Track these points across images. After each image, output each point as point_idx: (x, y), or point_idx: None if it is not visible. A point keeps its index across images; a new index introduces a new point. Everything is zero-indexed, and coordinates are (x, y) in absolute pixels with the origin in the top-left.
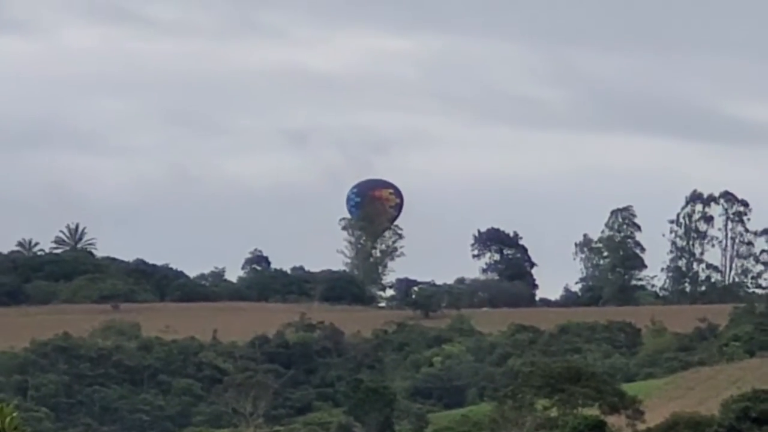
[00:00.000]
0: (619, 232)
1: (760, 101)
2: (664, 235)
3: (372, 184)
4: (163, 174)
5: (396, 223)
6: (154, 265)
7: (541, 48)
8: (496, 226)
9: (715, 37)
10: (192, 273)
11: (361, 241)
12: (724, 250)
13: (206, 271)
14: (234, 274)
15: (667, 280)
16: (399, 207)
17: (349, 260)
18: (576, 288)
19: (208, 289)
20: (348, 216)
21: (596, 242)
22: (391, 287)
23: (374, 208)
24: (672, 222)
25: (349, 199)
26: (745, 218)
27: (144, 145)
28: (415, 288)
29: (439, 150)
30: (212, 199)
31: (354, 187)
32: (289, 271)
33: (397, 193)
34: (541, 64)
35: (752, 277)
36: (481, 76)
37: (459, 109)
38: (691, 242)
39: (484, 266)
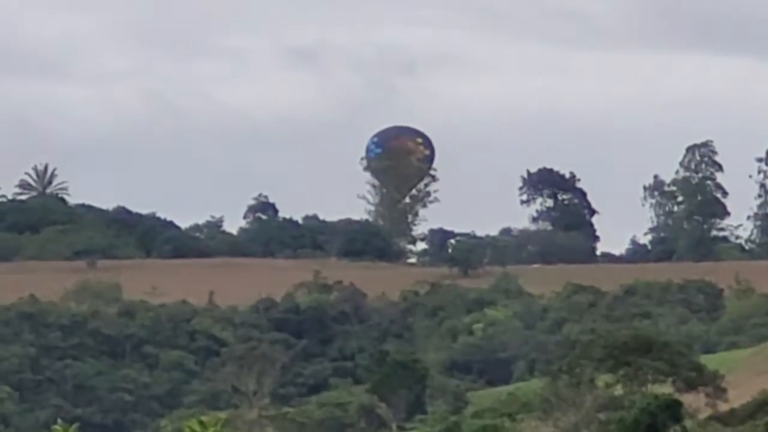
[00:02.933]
0: (697, 172)
1: None
2: (750, 176)
3: (395, 132)
4: (143, 106)
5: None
6: (137, 215)
7: None
8: (548, 166)
9: None
10: (183, 224)
11: (387, 187)
12: None
13: (200, 222)
14: (234, 224)
15: (755, 230)
16: (429, 159)
17: (372, 207)
18: (645, 240)
19: (203, 243)
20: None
21: (669, 185)
22: (423, 240)
23: (399, 161)
24: (760, 160)
25: (368, 150)
26: None
27: (119, 71)
28: (452, 241)
29: (477, 74)
30: (205, 135)
31: (374, 135)
32: (300, 221)
33: (427, 143)
34: None
35: None
36: None
37: (496, 25)
38: None
39: (535, 214)
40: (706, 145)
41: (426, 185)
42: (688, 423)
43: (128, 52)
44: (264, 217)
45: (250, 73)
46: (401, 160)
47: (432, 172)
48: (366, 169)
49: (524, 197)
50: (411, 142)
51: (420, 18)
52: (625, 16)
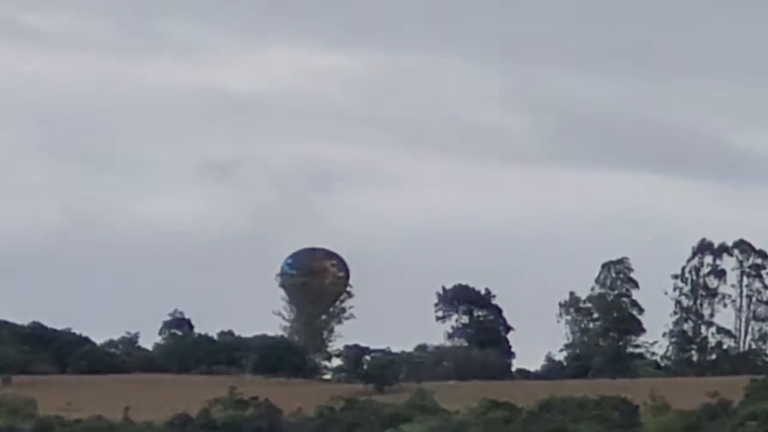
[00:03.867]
0: (612, 289)
1: None
2: (666, 293)
3: (309, 254)
4: (57, 219)
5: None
6: (53, 330)
7: (503, 67)
8: (464, 283)
9: (720, 57)
10: (99, 339)
11: (302, 304)
12: (739, 310)
13: (116, 337)
14: (149, 340)
15: (670, 347)
16: (344, 280)
17: (287, 323)
18: (560, 357)
19: (119, 359)
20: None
21: (585, 301)
22: (338, 356)
23: (313, 282)
24: (676, 277)
25: (283, 271)
26: (763, 272)
27: (31, 184)
28: (368, 357)
29: (393, 189)
30: (121, 250)
31: (288, 257)
32: (215, 337)
33: (341, 264)
34: (504, 86)
35: None
36: (434, 100)
37: (413, 140)
38: (698, 301)
39: (450, 330)
40: (621, 261)
41: (341, 301)
42: None
43: (44, 165)
44: (179, 333)
45: (166, 186)
46: (315, 282)
47: (348, 289)
48: (281, 285)
49: (440, 313)
50: (325, 264)
51: (337, 133)
52: (540, 131)
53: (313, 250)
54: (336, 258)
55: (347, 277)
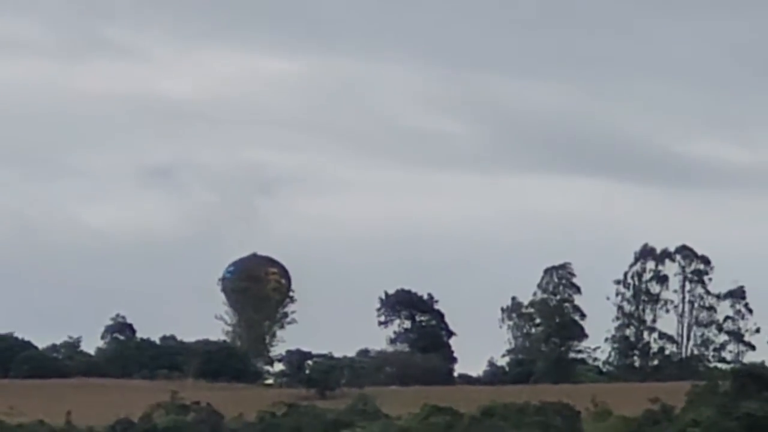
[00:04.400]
0: (555, 294)
1: (722, 137)
2: (608, 299)
3: (250, 262)
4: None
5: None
6: None
7: (444, 73)
8: (406, 287)
9: (659, 62)
10: (41, 344)
11: (244, 309)
12: (681, 316)
13: (58, 342)
14: (92, 344)
15: (613, 353)
16: (286, 288)
17: (230, 328)
18: (503, 362)
19: (61, 363)
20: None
21: (527, 307)
22: (280, 361)
23: (255, 288)
24: (618, 282)
25: (224, 278)
26: (705, 278)
27: None
28: (309, 362)
29: (335, 194)
30: (62, 254)
31: (230, 265)
32: (157, 342)
33: (282, 272)
34: (444, 92)
35: (714, 349)
36: (375, 106)
37: (354, 145)
38: (641, 307)
39: (392, 336)
40: (564, 267)
41: (284, 306)
42: None
43: None
44: (122, 337)
45: (107, 191)
46: (257, 288)
47: (290, 293)
48: (222, 290)
49: (382, 318)
50: (267, 270)
51: (277, 139)
52: (480, 137)
53: (254, 258)
54: (278, 266)
55: (289, 284)
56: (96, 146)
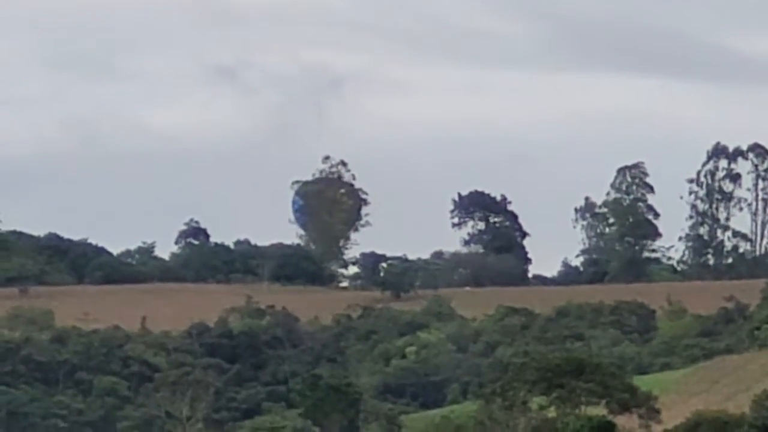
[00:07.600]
0: (628, 194)
1: None
2: (681, 198)
3: (319, 183)
4: (66, 130)
5: (359, 187)
6: (69, 241)
7: None
8: (479, 189)
9: None
10: (115, 249)
11: (318, 216)
12: (754, 214)
13: (132, 247)
14: (166, 250)
15: (686, 252)
16: (357, 211)
17: (303, 232)
18: (577, 262)
19: (135, 269)
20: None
21: (600, 207)
22: (354, 264)
23: (323, 216)
24: (691, 181)
25: (293, 202)
26: None
27: (36, 96)
28: (384, 264)
29: (405, 95)
30: (132, 159)
31: (296, 193)
32: (232, 246)
33: (353, 193)
34: None
35: None
36: (432, 9)
37: (426, 46)
38: (714, 205)
39: (466, 237)
40: (636, 166)
41: (357, 210)
42: None
43: (44, 76)
44: (196, 242)
45: (173, 94)
46: (330, 192)
47: (363, 196)
48: (297, 193)
49: (455, 220)
50: (336, 192)
51: (340, 40)
52: (547, 37)
53: (321, 180)
54: (346, 185)
55: (359, 206)
56: (151, 49)
